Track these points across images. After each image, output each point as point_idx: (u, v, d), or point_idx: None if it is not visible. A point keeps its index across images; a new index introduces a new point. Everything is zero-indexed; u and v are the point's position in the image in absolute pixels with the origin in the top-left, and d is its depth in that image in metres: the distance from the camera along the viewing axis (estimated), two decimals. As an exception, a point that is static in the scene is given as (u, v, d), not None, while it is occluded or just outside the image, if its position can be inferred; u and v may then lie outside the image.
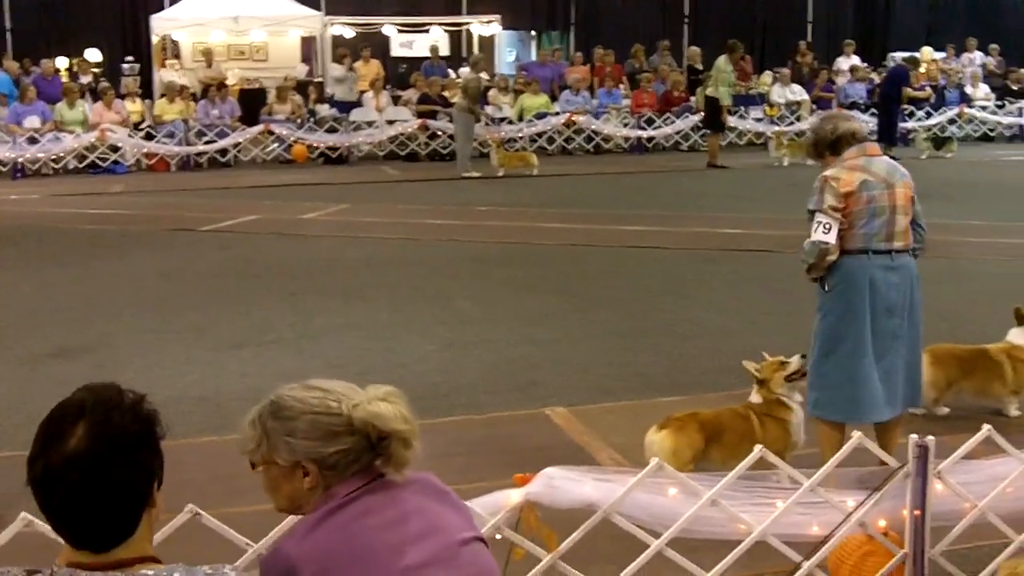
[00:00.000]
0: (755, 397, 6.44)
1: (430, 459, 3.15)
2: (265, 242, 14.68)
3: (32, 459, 2.53)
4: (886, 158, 6.28)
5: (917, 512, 4.70)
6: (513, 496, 4.44)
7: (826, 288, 6.14)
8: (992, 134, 27.66)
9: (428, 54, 27.58)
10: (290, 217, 16.60)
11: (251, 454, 3.11)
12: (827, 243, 5.96)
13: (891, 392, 6.18)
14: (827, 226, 5.95)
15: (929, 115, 26.45)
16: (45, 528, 3.92)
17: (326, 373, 8.45)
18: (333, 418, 3.02)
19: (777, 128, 24.95)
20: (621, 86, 26.66)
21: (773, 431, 6.25)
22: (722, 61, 22.53)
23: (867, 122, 26.09)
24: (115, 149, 22.53)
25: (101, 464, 2.50)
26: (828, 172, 6.08)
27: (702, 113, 23.98)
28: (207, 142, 23.25)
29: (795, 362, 6.36)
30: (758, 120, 26.00)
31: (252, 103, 24.81)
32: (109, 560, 2.52)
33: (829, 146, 6.20)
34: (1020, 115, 27.67)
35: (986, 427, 4.89)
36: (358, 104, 25.17)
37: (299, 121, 24.13)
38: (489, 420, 7.71)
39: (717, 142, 22.91)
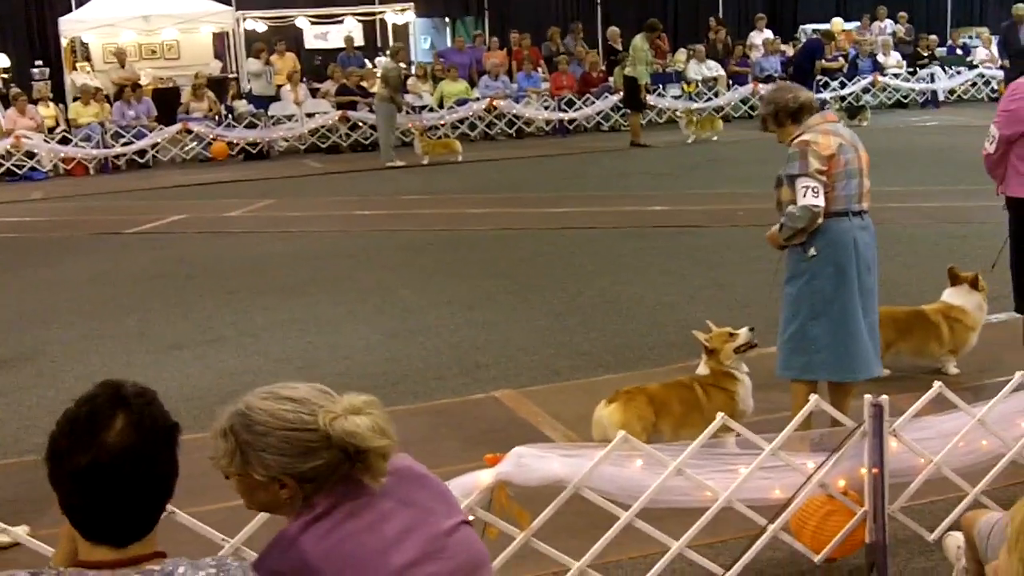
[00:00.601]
0: (703, 368, 6.51)
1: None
2: (194, 242, 14.53)
3: (63, 454, 2.52)
4: (841, 124, 6.40)
5: (875, 470, 4.82)
6: (484, 476, 4.48)
7: (810, 252, 6.19)
8: (905, 101, 28.11)
9: (343, 45, 27.44)
10: (216, 215, 16.45)
11: (224, 467, 2.99)
12: (819, 206, 6.06)
13: (875, 347, 6.35)
14: (815, 190, 6.04)
15: (843, 85, 26.82)
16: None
17: (271, 369, 8.47)
18: (309, 434, 2.92)
19: (685, 105, 25.07)
20: (539, 69, 26.71)
21: (718, 401, 6.31)
22: (639, 40, 22.65)
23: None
24: (31, 155, 22.11)
25: (148, 456, 2.52)
26: (805, 137, 6.15)
27: (621, 93, 24.10)
28: (125, 144, 22.90)
29: (744, 335, 6.44)
30: (676, 97, 26.16)
31: (167, 102, 24.53)
32: (125, 556, 2.53)
33: (791, 115, 6.28)
34: (931, 81, 28.15)
35: (937, 384, 5.03)
36: (276, 99, 24.96)
37: (217, 118, 23.90)
38: (440, 406, 7.74)
39: (638, 121, 23.03)
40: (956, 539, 4.76)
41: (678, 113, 24.66)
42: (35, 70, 26.03)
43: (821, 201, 6.05)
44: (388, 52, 24.27)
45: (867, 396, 4.82)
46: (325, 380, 3.15)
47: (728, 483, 4.76)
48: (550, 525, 4.57)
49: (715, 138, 22.80)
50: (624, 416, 6.15)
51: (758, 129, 6.81)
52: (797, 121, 6.27)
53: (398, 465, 3.10)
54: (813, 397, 4.99)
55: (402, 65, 23.41)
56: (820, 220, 6.09)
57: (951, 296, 7.87)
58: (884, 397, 4.78)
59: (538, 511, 4.54)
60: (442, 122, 24.29)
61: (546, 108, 25.52)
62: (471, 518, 4.28)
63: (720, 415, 4.75)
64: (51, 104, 23.78)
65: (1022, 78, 7.11)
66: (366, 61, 27.19)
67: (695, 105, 25.20)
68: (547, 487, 4.56)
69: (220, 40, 28.04)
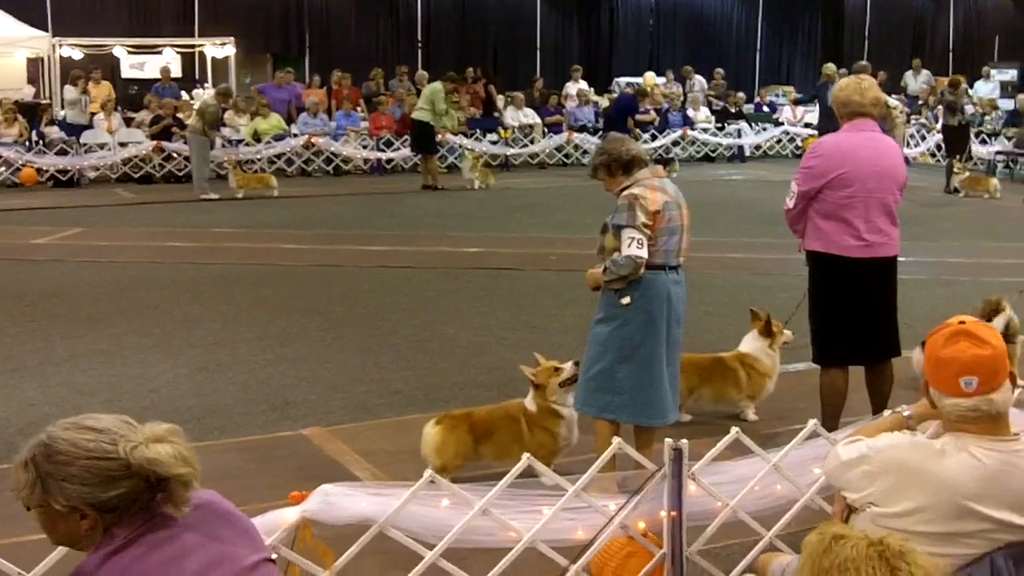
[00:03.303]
0: (531, 403, 6.77)
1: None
2: (-3, 268, 14.08)
3: None
4: (669, 180, 6.61)
5: (674, 513, 4.95)
6: (289, 514, 4.46)
7: (624, 300, 6.43)
8: (713, 155, 28.95)
9: (159, 76, 26.98)
10: (22, 242, 15.93)
11: (26, 498, 2.99)
12: (643, 257, 6.30)
13: (675, 396, 6.63)
14: (640, 242, 6.30)
15: (654, 137, 27.42)
16: None
17: (74, 401, 8.26)
18: (110, 462, 2.93)
19: (472, 149, 25.11)
20: (359, 109, 26.73)
21: (539, 438, 6.66)
22: (438, 86, 22.81)
23: (595, 145, 27.05)
24: None
25: None
26: (635, 191, 6.39)
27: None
28: (-73, 166, 22.03)
29: (568, 368, 6.73)
30: (494, 143, 26.45)
31: (-25, 126, 23.68)
32: None
33: (623, 166, 6.51)
34: (739, 136, 29.08)
35: (734, 430, 5.20)
36: (90, 127, 24.33)
37: (27, 144, 23.16)
38: (248, 443, 7.66)
39: (435, 164, 23.03)
40: (751, 582, 4.93)
41: (465, 154, 24.61)
42: None
43: (645, 253, 6.31)
44: (215, 90, 23.82)
45: (667, 440, 4.96)
46: (130, 413, 3.14)
47: (532, 523, 4.83)
48: (354, 565, 4.57)
49: (486, 186, 22.84)
50: (444, 438, 6.57)
51: (588, 176, 6.96)
52: (628, 173, 6.51)
53: (203, 500, 3.11)
54: (616, 440, 5.11)
55: (224, 106, 23.13)
56: (642, 271, 6.33)
57: (747, 345, 8.19)
58: (684, 441, 4.93)
59: (345, 550, 4.54)
60: (259, 156, 24.07)
61: (364, 147, 25.50)
62: (274, 556, 4.27)
63: (526, 456, 4.82)
64: None
65: (823, 137, 7.44)
66: (183, 93, 26.76)
67: (477, 150, 25.21)
68: (354, 526, 4.57)
69: (34, 65, 27.26)
